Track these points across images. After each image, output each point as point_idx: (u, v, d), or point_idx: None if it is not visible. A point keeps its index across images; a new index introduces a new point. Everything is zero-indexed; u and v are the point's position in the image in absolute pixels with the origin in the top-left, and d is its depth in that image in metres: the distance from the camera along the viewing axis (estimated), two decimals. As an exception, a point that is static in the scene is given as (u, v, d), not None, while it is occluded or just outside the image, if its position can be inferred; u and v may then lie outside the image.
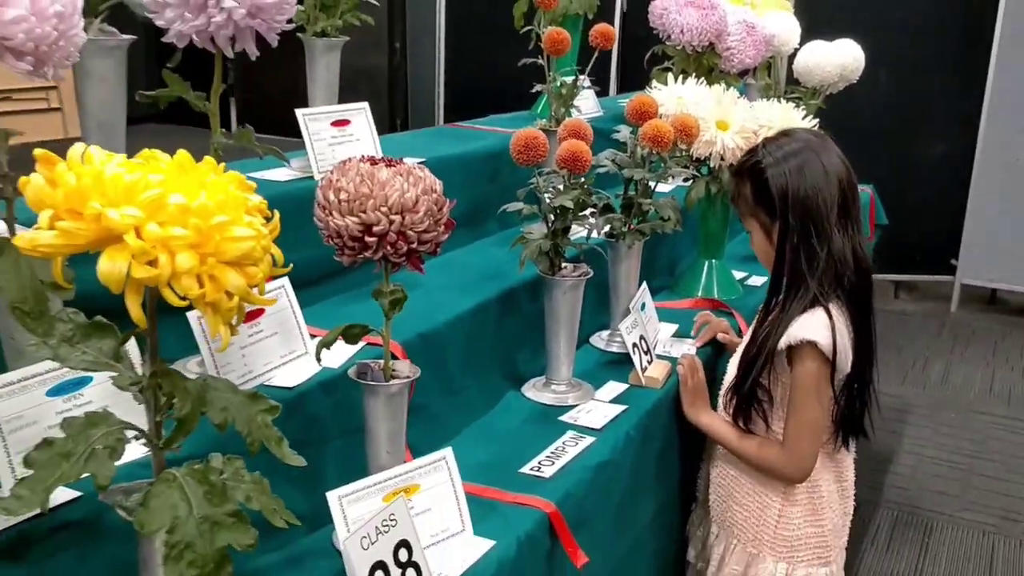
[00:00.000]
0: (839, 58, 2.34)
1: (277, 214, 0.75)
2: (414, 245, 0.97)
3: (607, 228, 1.58)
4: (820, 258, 1.38)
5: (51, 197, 0.62)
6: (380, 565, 0.94)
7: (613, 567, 1.34)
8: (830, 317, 1.37)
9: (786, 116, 1.79)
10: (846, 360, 1.39)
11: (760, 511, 1.49)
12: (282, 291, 1.15)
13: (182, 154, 0.69)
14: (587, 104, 2.30)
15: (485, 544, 1.08)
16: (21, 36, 0.74)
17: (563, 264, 1.43)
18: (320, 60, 1.42)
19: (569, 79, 1.89)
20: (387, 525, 0.96)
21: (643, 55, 2.29)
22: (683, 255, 2.12)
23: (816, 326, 1.36)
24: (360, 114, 1.47)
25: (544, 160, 1.35)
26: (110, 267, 0.61)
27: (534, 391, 1.48)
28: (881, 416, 1.49)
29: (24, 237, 0.62)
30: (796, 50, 2.46)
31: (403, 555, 0.97)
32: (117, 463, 0.71)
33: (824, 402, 1.40)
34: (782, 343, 1.38)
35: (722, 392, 1.54)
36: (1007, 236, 4.38)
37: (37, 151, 0.64)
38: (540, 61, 1.90)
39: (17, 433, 0.84)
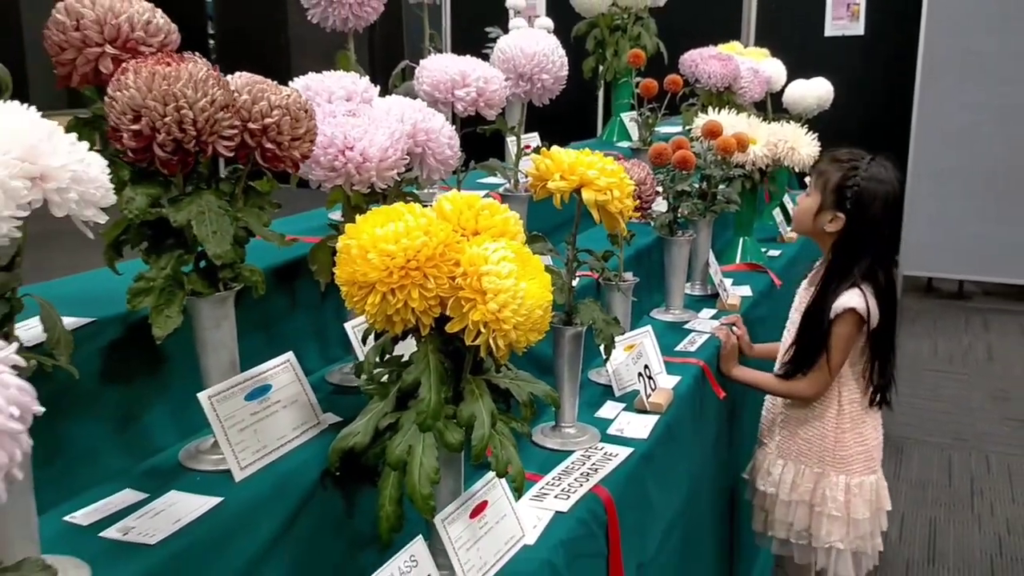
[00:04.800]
0: (816, 91, 3.32)
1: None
2: (645, 206, 1.85)
3: (689, 210, 2.47)
4: (866, 260, 1.99)
5: (556, 168, 1.48)
6: (640, 375, 1.80)
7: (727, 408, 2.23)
8: (862, 290, 1.98)
9: (796, 133, 2.73)
10: (874, 319, 1.99)
11: (820, 440, 2.08)
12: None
13: (583, 151, 1.55)
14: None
15: (675, 379, 1.95)
16: (497, 99, 1.60)
17: (678, 230, 2.32)
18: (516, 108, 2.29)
19: (648, 110, 2.80)
20: (637, 357, 1.82)
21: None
22: (719, 236, 3.02)
23: (850, 297, 1.98)
24: (533, 139, 2.34)
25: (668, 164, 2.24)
26: (588, 196, 1.47)
27: (659, 314, 2.37)
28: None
29: (552, 185, 1.47)
30: (783, 87, 3.43)
31: (646, 374, 1.83)
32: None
33: (847, 353, 2.03)
34: (832, 314, 1.99)
35: (783, 354, 2.14)
36: (939, 232, 5.44)
37: (546, 151, 1.50)
38: (638, 102, 2.80)
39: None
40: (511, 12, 2.68)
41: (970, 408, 4.05)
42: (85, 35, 1.06)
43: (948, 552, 2.95)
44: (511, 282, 1.07)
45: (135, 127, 0.98)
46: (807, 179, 2.16)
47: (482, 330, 1.07)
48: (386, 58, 6.80)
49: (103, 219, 0.84)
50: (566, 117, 3.63)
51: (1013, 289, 5.57)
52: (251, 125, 1.07)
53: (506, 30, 2.16)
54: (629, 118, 3.05)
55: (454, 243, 1.09)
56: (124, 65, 1.00)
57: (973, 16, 5.08)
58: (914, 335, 5.02)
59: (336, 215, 1.75)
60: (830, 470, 2.08)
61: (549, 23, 2.40)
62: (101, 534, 0.99)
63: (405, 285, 1.05)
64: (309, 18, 1.69)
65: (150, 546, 0.97)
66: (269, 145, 1.09)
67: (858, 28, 5.44)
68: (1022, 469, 3.48)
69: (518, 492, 1.16)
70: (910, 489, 3.35)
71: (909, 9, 5.24)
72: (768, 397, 2.28)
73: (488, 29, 2.31)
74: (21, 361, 0.62)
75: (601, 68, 3.07)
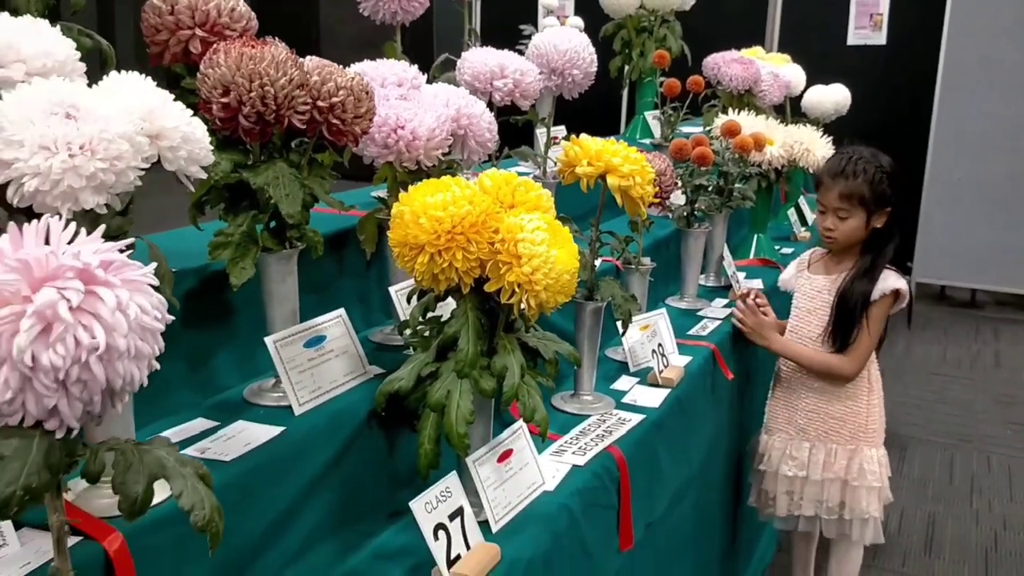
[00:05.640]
0: (834, 96, 3.45)
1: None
2: (664, 194, 1.99)
3: (706, 204, 2.61)
4: (896, 240, 2.19)
5: (584, 155, 1.62)
6: (654, 352, 1.94)
7: (736, 388, 2.37)
8: (899, 272, 2.16)
9: (812, 136, 2.86)
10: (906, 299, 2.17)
11: (854, 418, 2.21)
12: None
13: (609, 140, 1.70)
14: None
15: (686, 358, 2.09)
16: (531, 90, 1.75)
17: (694, 223, 2.46)
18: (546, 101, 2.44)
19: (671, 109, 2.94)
20: (652, 335, 1.96)
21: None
22: (734, 233, 3.15)
23: (895, 279, 2.16)
24: (560, 131, 2.48)
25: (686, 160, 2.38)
26: (614, 181, 1.61)
27: (674, 301, 2.51)
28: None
29: (580, 170, 1.62)
30: (802, 92, 3.57)
31: (660, 351, 1.97)
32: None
33: (882, 331, 2.21)
34: (876, 295, 2.13)
35: (818, 336, 2.24)
36: (952, 241, 5.53)
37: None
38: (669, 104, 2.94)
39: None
40: (543, 11, 2.84)
41: (974, 411, 4.16)
42: (179, 19, 1.21)
43: (945, 544, 3.07)
44: (543, 248, 1.22)
45: (224, 100, 1.13)
46: (830, 207, 2.21)
47: (516, 290, 1.22)
48: (414, 50, 6.97)
49: (203, 176, 0.99)
50: (591, 113, 3.77)
51: (1025, 300, 5.67)
52: (320, 103, 1.22)
53: (534, 27, 2.31)
54: (652, 116, 3.19)
55: (494, 213, 1.24)
56: (216, 46, 1.15)
57: (994, 28, 5.18)
58: (924, 341, 5.13)
59: (378, 193, 1.90)
60: (863, 445, 2.21)
61: (580, 22, 2.54)
62: (182, 452, 1.14)
63: (451, 247, 1.20)
64: (361, 11, 1.84)
65: (225, 463, 1.12)
66: (334, 121, 1.24)
67: (880, 38, 5.55)
68: (1022, 470, 3.60)
69: (543, 436, 1.31)
70: (911, 484, 3.48)
71: (931, 21, 5.35)
72: (775, 385, 2.39)
73: (522, 27, 2.47)
74: (155, 280, 0.77)
75: (627, 68, 3.21)
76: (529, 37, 2.13)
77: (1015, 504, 3.34)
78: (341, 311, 1.40)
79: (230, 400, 1.32)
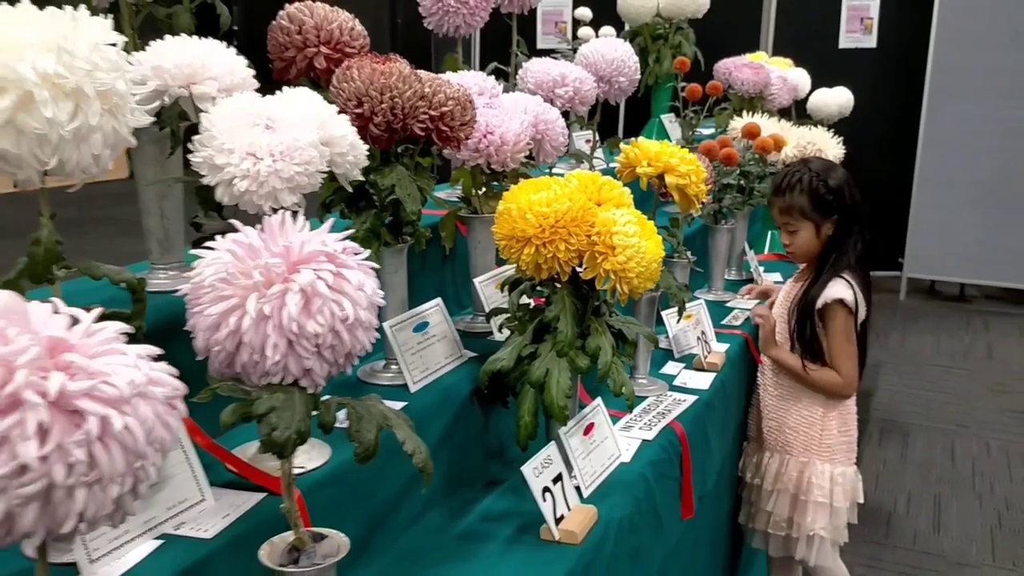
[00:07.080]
0: (838, 99, 3.65)
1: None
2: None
3: (730, 202, 2.79)
4: (857, 240, 2.15)
5: (644, 156, 1.79)
6: (698, 339, 2.11)
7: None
8: (849, 282, 2.12)
9: (823, 136, 3.05)
10: (862, 310, 2.12)
11: (807, 429, 2.18)
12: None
13: (663, 142, 1.86)
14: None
15: (724, 345, 2.26)
16: (589, 97, 1.91)
17: (721, 220, 2.64)
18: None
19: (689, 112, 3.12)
20: (695, 324, 2.13)
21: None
22: (747, 230, 3.34)
23: (840, 288, 2.11)
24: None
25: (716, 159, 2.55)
26: (671, 180, 1.78)
27: (702, 294, 2.68)
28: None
29: (640, 170, 1.78)
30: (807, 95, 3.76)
31: (704, 338, 2.14)
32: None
33: (853, 340, 2.13)
34: (819, 303, 2.11)
35: (785, 342, 2.23)
36: (942, 238, 5.76)
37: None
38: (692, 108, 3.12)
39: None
40: (544, 21, 3.00)
41: (970, 399, 4.37)
42: (306, 38, 1.37)
43: (952, 524, 3.27)
44: (635, 240, 1.38)
45: (358, 111, 1.28)
46: (779, 223, 2.28)
47: (611, 277, 1.38)
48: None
49: (361, 178, 1.15)
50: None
51: (1013, 293, 5.90)
52: (431, 112, 1.38)
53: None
54: (668, 120, 3.37)
55: (589, 208, 1.40)
56: (348, 63, 1.31)
57: (981, 31, 5.42)
58: (916, 332, 5.34)
59: (442, 194, 2.05)
60: (815, 458, 2.18)
61: (612, 31, 2.71)
62: (322, 424, 1.29)
63: (554, 239, 1.36)
64: (425, 25, 2.00)
65: (364, 432, 1.27)
66: (444, 128, 1.40)
67: (871, 41, 5.78)
68: (1020, 453, 3.80)
69: (630, 408, 1.47)
70: (915, 469, 3.67)
71: (920, 25, 5.58)
72: (758, 394, 2.34)
73: (557, 38, 2.63)
74: (376, 264, 0.92)
75: (643, 73, 3.38)
76: (560, 55, 2.29)
77: (1016, 485, 3.54)
78: (438, 300, 1.56)
79: (347, 380, 1.47)
